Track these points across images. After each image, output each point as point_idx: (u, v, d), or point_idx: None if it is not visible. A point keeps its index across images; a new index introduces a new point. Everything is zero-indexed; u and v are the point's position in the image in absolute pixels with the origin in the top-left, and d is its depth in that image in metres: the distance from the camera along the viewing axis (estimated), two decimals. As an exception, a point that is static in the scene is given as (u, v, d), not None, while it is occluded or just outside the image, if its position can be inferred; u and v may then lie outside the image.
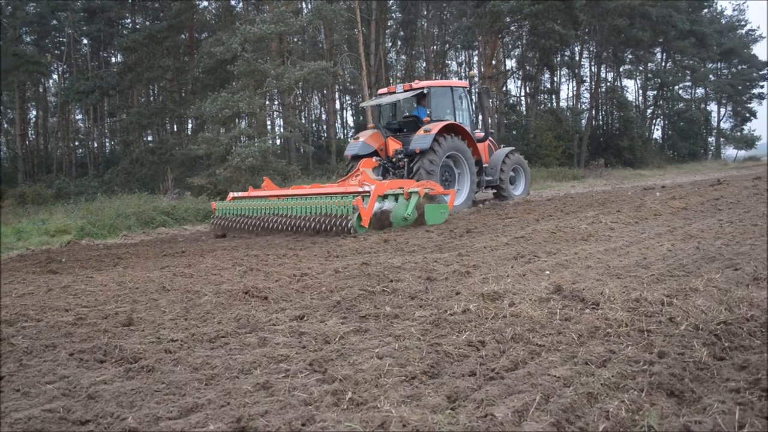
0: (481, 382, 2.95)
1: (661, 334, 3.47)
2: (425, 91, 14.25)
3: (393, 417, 2.53)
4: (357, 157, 13.93)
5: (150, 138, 37.65)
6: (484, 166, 14.95)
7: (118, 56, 36.43)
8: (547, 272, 5.49)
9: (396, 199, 10.54)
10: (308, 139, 36.45)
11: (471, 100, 15.36)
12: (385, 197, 10.48)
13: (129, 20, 36.13)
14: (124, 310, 4.93)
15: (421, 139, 13.17)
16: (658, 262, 5.64)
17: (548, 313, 3.98)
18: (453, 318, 4.01)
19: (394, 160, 13.71)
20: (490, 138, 15.95)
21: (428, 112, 14.11)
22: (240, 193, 12.50)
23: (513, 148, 16.57)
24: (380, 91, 15.07)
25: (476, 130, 15.33)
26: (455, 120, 14.36)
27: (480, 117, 15.97)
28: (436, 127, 13.28)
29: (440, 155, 13.28)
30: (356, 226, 9.73)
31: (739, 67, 61.11)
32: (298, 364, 3.34)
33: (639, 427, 2.42)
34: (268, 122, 31.56)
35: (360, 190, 10.36)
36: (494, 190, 15.91)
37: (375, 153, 14.09)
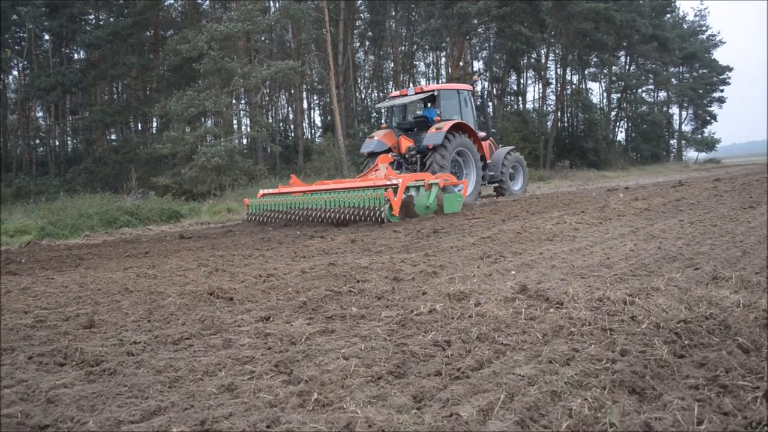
0: (447, 381, 2.96)
1: (623, 332, 3.53)
2: (435, 93, 15.73)
3: (359, 418, 2.52)
4: (373, 155, 15.12)
5: (114, 136, 37.02)
6: (487, 162, 16.43)
7: (81, 53, 35.76)
8: (513, 272, 5.54)
9: (418, 190, 11.60)
10: (275, 138, 36.21)
11: (474, 102, 16.74)
12: (408, 189, 11.46)
13: (92, 16, 35.49)
14: (86, 312, 4.83)
15: (433, 136, 14.42)
16: (620, 262, 5.73)
17: (513, 313, 4.02)
18: (419, 318, 4.02)
19: (406, 156, 14.96)
20: (490, 138, 17.33)
21: (438, 113, 15.48)
22: (270, 190, 13.36)
23: (512, 147, 18.01)
24: (392, 93, 16.46)
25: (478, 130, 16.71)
26: (462, 120, 15.68)
27: (482, 118, 17.56)
28: (446, 125, 14.60)
29: (450, 151, 14.55)
30: (388, 216, 10.66)
31: (700, 71, 62.49)
32: (264, 365, 3.31)
33: (601, 424, 2.45)
34: (235, 121, 31.27)
35: (389, 183, 11.29)
36: (495, 185, 17.31)
37: (388, 150, 15.27)
